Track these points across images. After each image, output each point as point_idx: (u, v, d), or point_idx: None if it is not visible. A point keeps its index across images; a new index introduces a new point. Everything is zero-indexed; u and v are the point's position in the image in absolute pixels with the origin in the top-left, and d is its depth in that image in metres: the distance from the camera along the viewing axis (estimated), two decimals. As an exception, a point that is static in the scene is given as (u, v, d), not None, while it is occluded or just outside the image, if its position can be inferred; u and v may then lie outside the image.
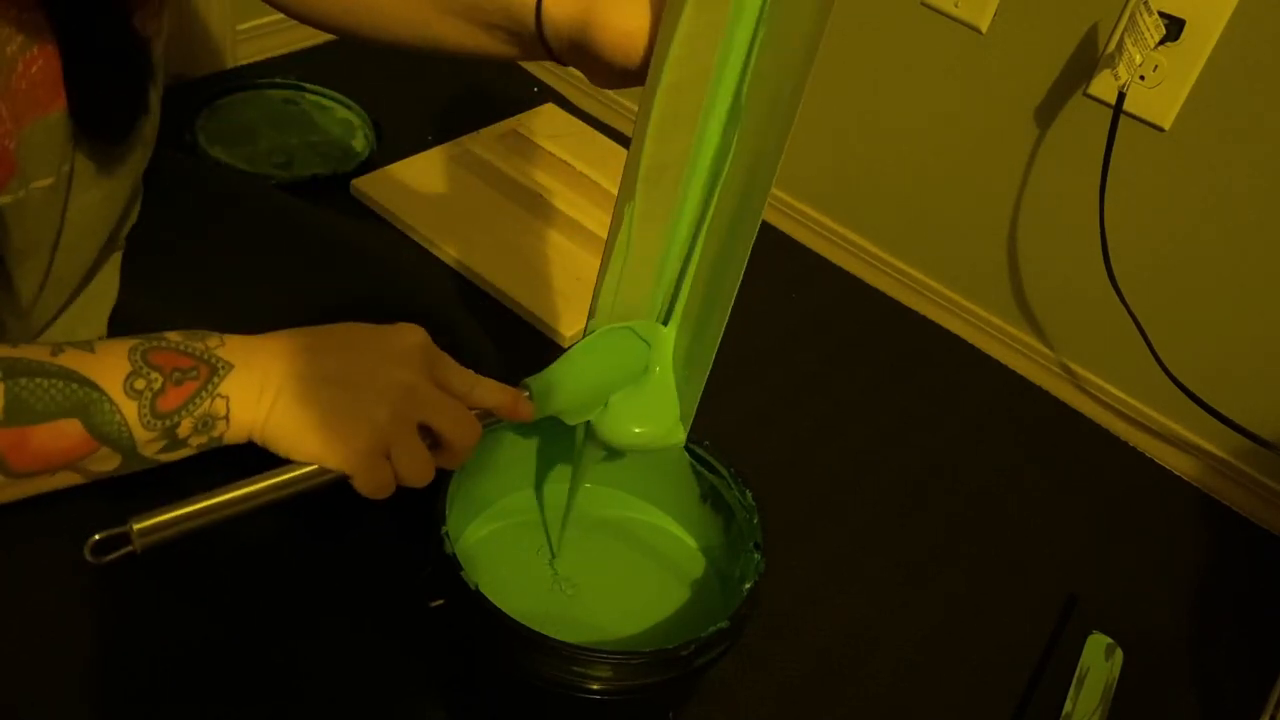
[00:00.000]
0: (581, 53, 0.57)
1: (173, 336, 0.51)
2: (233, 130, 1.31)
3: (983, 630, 0.96)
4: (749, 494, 0.71)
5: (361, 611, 0.81)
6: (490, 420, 0.59)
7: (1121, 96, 1.03)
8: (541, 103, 1.48)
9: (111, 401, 0.48)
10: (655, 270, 0.62)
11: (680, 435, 0.67)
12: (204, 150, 1.26)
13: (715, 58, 0.53)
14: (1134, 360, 1.13)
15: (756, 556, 0.68)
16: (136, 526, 0.47)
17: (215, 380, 0.51)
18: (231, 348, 0.52)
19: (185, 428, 0.50)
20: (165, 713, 0.71)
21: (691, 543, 0.77)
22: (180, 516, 0.49)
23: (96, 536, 0.47)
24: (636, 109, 0.55)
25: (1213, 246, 1.07)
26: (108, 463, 0.49)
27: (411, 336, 0.56)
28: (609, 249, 0.59)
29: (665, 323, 0.65)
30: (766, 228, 1.39)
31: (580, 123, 1.45)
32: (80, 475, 0.49)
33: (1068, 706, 0.89)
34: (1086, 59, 1.07)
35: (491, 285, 1.17)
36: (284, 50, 1.48)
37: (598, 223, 1.25)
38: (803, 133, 1.33)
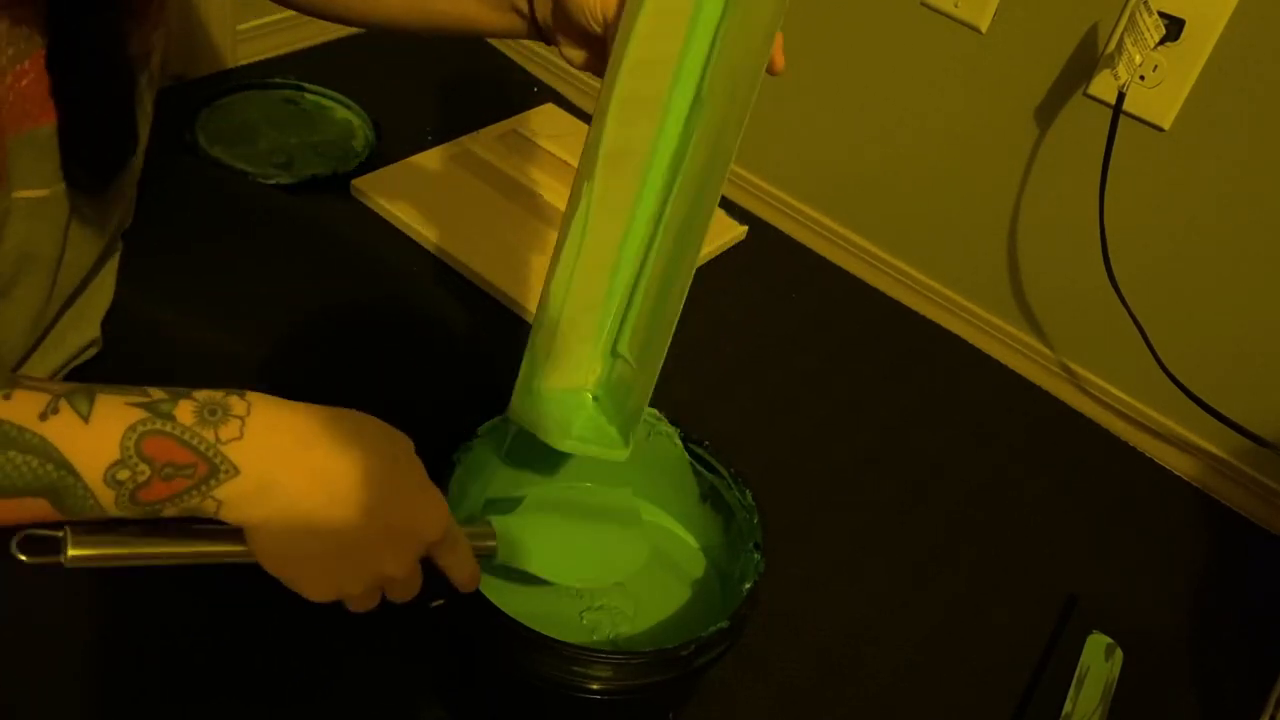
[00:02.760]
0: (560, 14, 0.58)
1: (184, 415, 0.47)
2: (233, 130, 1.31)
3: (983, 630, 0.96)
4: (749, 494, 0.71)
5: (361, 611, 0.81)
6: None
7: (1121, 96, 1.03)
8: (541, 103, 1.48)
9: (87, 488, 0.45)
10: (611, 263, 0.61)
11: (623, 452, 0.65)
12: (204, 150, 1.26)
13: (680, 42, 0.53)
14: (1134, 360, 1.13)
15: (756, 556, 0.68)
16: (71, 553, 0.47)
17: (211, 484, 0.47)
18: (247, 446, 0.47)
19: (167, 512, 0.47)
20: (163, 712, 0.71)
21: (692, 542, 0.77)
22: (115, 555, 0.48)
23: (29, 532, 0.46)
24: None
25: (1212, 246, 1.07)
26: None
27: (432, 517, 0.54)
28: (564, 231, 0.58)
29: (622, 322, 0.64)
30: (766, 227, 1.40)
31: (580, 123, 1.45)
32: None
33: (1067, 706, 0.89)
34: (1086, 59, 1.07)
35: (491, 285, 1.17)
36: (284, 50, 1.48)
37: (598, 223, 1.25)
38: (803, 133, 1.33)
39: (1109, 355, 1.19)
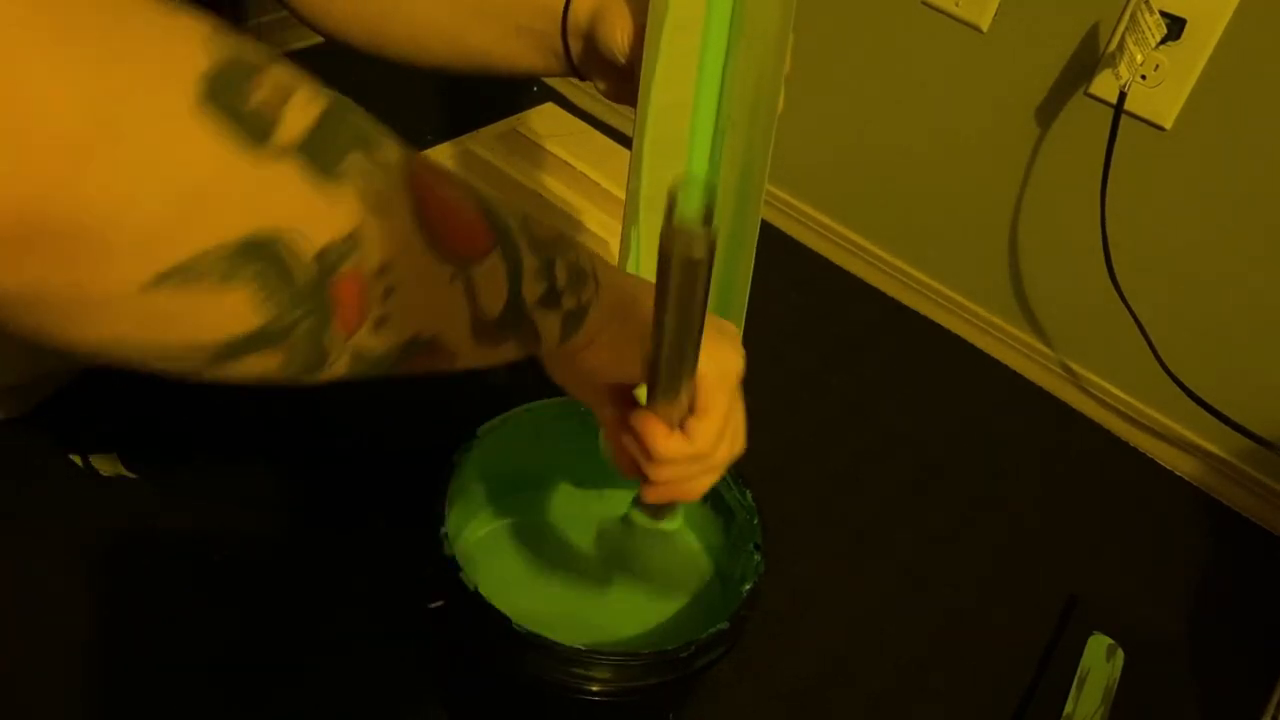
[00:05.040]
0: (590, 47, 0.62)
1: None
2: (232, 130, 1.31)
3: (983, 630, 0.96)
4: (749, 494, 0.71)
5: (361, 612, 0.81)
6: None
7: (1122, 96, 1.02)
8: (541, 103, 1.47)
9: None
10: None
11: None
12: (203, 150, 1.26)
13: (693, 85, 0.58)
14: (1135, 360, 1.13)
15: (756, 557, 0.68)
16: None
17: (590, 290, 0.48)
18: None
19: (561, 272, 0.46)
20: (164, 710, 0.71)
21: (692, 543, 0.77)
22: None
23: None
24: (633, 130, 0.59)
25: (1214, 246, 1.07)
26: (490, 297, 0.42)
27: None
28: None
29: None
30: (767, 227, 1.39)
31: (580, 123, 1.45)
32: (441, 349, 0.42)
33: (1068, 708, 0.89)
34: (1087, 58, 1.07)
35: (491, 285, 1.16)
36: (284, 50, 1.48)
37: (598, 223, 1.25)
38: (803, 133, 1.32)
39: (1110, 355, 1.19)
